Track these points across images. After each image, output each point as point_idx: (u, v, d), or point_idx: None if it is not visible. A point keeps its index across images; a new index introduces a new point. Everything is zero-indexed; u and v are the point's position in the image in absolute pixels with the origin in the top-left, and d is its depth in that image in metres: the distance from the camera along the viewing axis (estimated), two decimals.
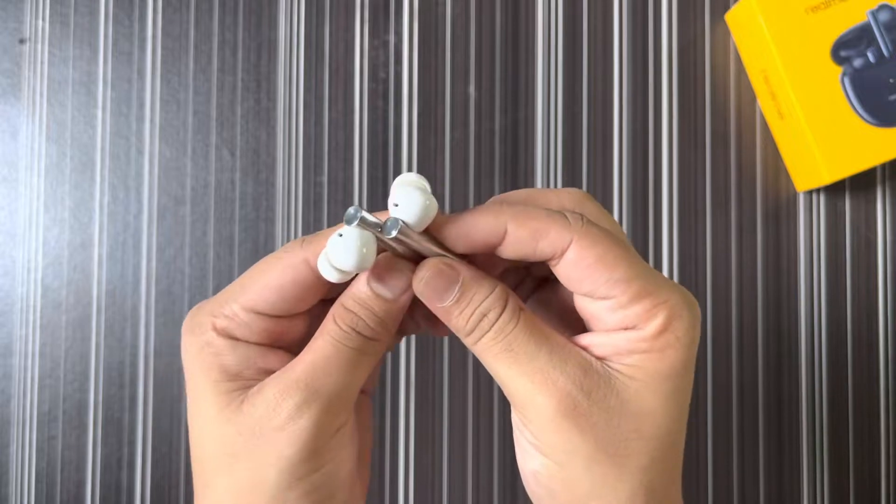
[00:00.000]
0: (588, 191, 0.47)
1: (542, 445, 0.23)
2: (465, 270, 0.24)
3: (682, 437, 0.24)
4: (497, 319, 0.23)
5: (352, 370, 0.24)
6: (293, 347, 0.26)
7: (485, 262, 0.26)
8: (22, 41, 0.47)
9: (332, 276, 0.23)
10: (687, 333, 0.23)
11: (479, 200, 0.47)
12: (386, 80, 0.47)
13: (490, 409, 0.46)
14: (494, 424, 0.46)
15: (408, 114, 0.47)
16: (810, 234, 0.47)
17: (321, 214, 0.46)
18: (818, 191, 0.47)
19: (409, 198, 0.23)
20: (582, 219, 0.24)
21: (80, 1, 0.47)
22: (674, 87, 0.47)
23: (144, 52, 0.47)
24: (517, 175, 0.47)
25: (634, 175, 0.47)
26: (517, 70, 0.47)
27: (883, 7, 0.43)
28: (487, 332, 0.24)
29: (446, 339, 0.46)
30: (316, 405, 0.23)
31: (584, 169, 0.47)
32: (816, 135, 0.43)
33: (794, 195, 0.47)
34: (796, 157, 0.45)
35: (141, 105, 0.47)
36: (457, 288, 0.24)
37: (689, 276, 0.47)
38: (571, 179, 0.47)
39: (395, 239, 0.23)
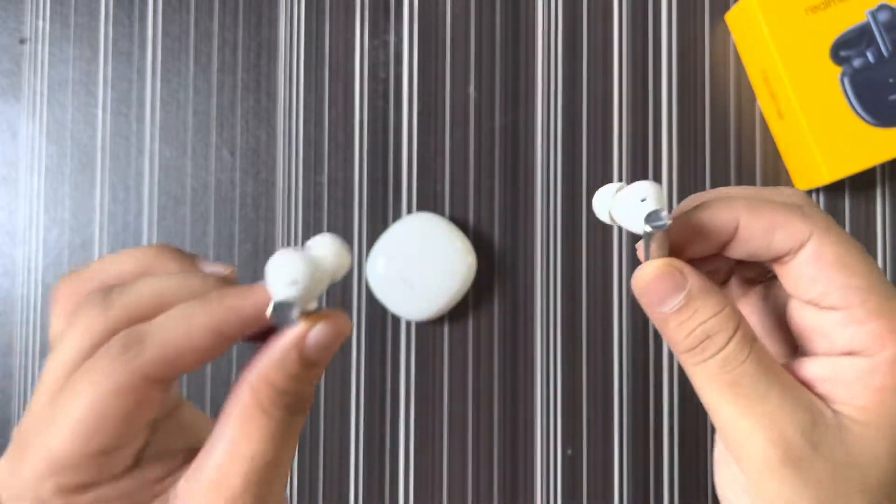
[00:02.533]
0: (588, 191, 0.47)
1: (757, 492, 0.21)
2: (694, 278, 0.21)
3: None
4: (725, 345, 0.21)
5: (290, 457, 0.21)
6: (153, 432, 0.21)
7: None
8: (22, 41, 0.47)
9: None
10: None
11: (479, 201, 0.47)
12: (386, 80, 0.47)
13: (490, 409, 0.46)
14: (494, 424, 0.46)
15: (408, 114, 0.47)
16: None
17: (321, 214, 0.47)
18: (818, 190, 0.47)
19: (653, 190, 0.20)
20: (822, 212, 0.21)
21: (80, 1, 0.47)
22: (674, 87, 0.47)
23: (144, 52, 0.47)
24: (517, 175, 0.47)
25: (634, 175, 0.47)
26: (517, 70, 0.47)
27: (882, 7, 0.43)
28: (712, 357, 0.21)
29: (446, 339, 0.46)
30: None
31: (584, 169, 0.47)
32: (816, 135, 0.43)
33: None
34: (796, 156, 0.45)
35: (141, 105, 0.47)
36: (682, 296, 0.21)
37: None
38: (571, 179, 0.47)
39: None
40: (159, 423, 0.21)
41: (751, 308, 0.25)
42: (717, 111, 0.47)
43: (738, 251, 0.22)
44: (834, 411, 0.21)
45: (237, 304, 0.19)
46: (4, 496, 0.19)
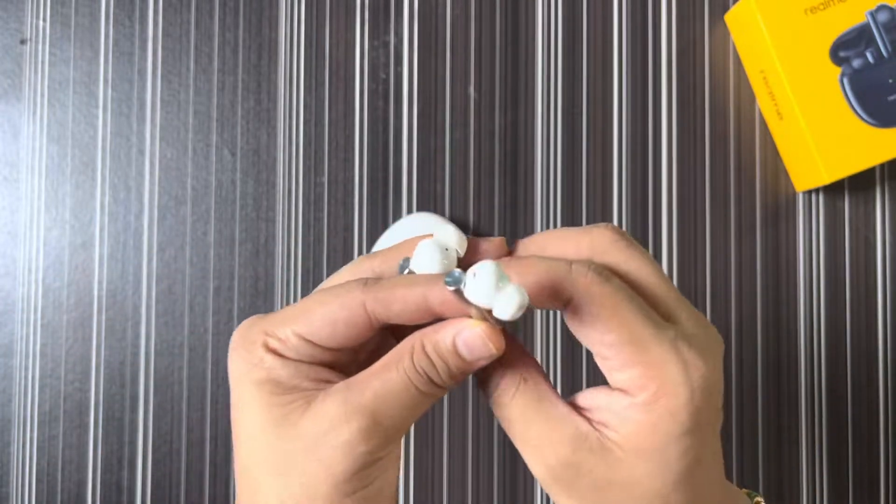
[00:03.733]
0: (587, 191, 0.47)
1: (548, 492, 0.25)
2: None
3: (688, 493, 0.24)
4: (495, 391, 0.25)
5: (415, 409, 0.24)
6: (343, 368, 0.26)
7: None
8: (23, 42, 0.47)
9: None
10: (683, 408, 0.23)
11: (479, 201, 0.47)
12: (386, 81, 0.47)
13: (490, 409, 0.46)
14: (494, 424, 0.46)
15: (408, 114, 0.47)
16: (809, 233, 0.47)
17: (321, 214, 0.47)
18: (817, 191, 0.47)
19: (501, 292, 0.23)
20: (588, 272, 0.24)
21: (81, 1, 0.47)
22: (673, 88, 0.47)
23: (145, 52, 0.47)
24: (517, 175, 0.47)
25: (634, 175, 0.47)
26: (517, 70, 0.47)
27: (882, 8, 0.43)
28: (490, 398, 0.25)
29: None
30: (376, 436, 0.24)
31: (584, 169, 0.47)
32: (815, 135, 0.43)
33: (794, 195, 0.47)
34: (795, 157, 0.45)
35: (142, 105, 0.47)
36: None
37: (689, 276, 0.47)
38: (571, 179, 0.47)
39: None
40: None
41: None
42: (717, 111, 0.47)
43: (539, 306, 0.25)
44: (600, 435, 0.24)
45: (449, 297, 0.24)
46: (232, 342, 0.25)
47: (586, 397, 0.25)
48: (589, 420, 0.24)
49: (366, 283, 0.25)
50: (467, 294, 0.22)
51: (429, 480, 0.46)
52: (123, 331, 0.46)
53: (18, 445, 0.46)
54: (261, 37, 0.47)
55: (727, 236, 0.47)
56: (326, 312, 0.24)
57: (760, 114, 0.47)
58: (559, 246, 0.26)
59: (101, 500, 0.46)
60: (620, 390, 0.24)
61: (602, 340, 0.23)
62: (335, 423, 0.24)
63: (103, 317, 0.46)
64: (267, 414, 0.24)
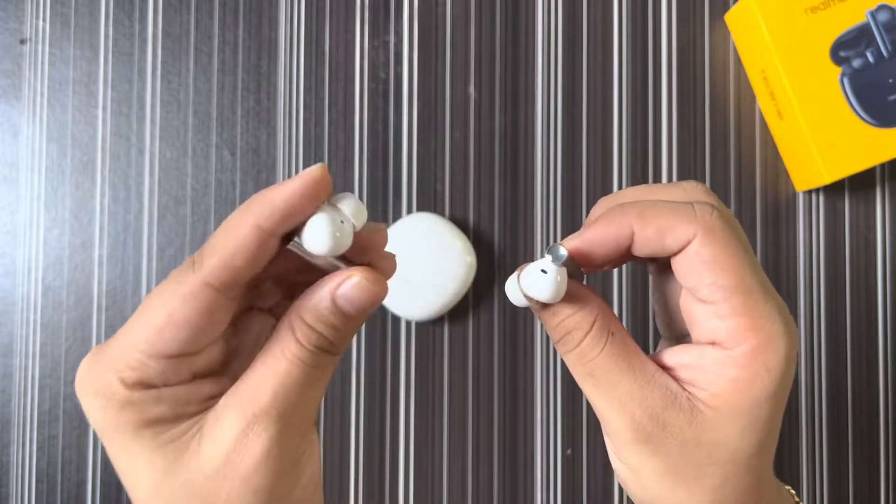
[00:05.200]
0: (587, 191, 0.47)
1: (619, 455, 0.25)
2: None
3: (761, 460, 0.24)
4: (581, 342, 0.24)
5: (318, 388, 0.23)
6: (216, 369, 0.24)
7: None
8: (23, 41, 0.47)
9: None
10: (779, 365, 0.23)
11: (480, 200, 0.47)
12: (386, 81, 0.47)
13: (490, 409, 0.46)
14: (494, 424, 0.46)
15: (408, 114, 0.47)
16: (809, 233, 0.47)
17: None
18: (817, 191, 0.47)
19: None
20: (712, 209, 0.23)
21: (81, 1, 0.47)
22: (673, 87, 0.47)
23: (145, 52, 0.47)
24: (517, 175, 0.47)
25: (634, 175, 0.47)
26: (517, 70, 0.47)
27: (882, 7, 0.43)
28: (572, 350, 0.24)
29: (446, 339, 0.46)
30: (288, 432, 0.22)
31: (584, 169, 0.47)
32: (815, 135, 0.43)
33: (794, 195, 0.47)
34: (795, 156, 0.45)
35: (141, 105, 0.47)
36: None
37: None
38: (571, 179, 0.47)
39: None
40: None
41: (661, 293, 0.28)
42: (717, 111, 0.47)
43: (641, 254, 0.24)
44: (689, 395, 0.23)
45: (268, 196, 0.21)
46: (79, 389, 0.22)
47: (672, 355, 0.24)
48: (676, 379, 0.24)
49: (194, 262, 0.22)
50: (306, 244, 0.21)
51: (429, 480, 0.46)
52: None
53: (18, 445, 0.46)
54: (261, 37, 0.47)
55: None
56: (174, 315, 0.21)
57: (760, 114, 0.47)
58: (654, 196, 0.25)
59: (101, 500, 0.46)
60: (713, 343, 0.23)
61: (716, 281, 0.23)
62: (240, 437, 0.21)
63: (103, 317, 0.46)
64: (160, 458, 0.22)
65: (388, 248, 0.25)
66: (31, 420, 0.46)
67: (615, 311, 0.47)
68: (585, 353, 0.24)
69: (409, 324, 0.46)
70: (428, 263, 0.44)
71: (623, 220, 0.23)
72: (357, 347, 0.46)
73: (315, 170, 0.22)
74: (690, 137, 0.47)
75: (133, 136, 0.47)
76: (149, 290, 0.46)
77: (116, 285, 0.46)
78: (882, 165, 0.47)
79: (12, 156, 0.47)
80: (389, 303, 0.44)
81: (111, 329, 0.46)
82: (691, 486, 0.23)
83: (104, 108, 0.47)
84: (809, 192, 0.47)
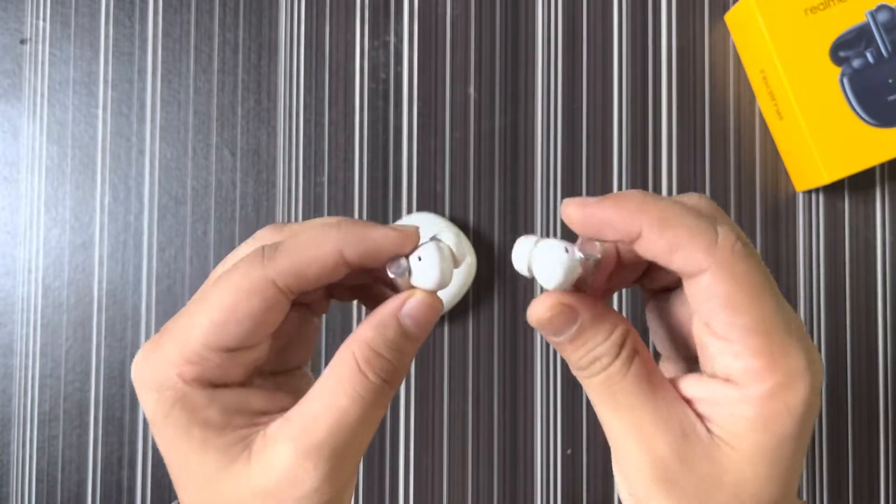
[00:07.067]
0: (587, 191, 0.47)
1: (633, 492, 0.23)
2: (585, 312, 0.22)
3: (786, 500, 0.22)
4: (609, 365, 0.22)
5: (373, 426, 0.23)
6: (264, 368, 0.24)
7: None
8: (23, 41, 0.47)
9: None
10: (801, 405, 0.21)
11: (479, 201, 0.47)
12: (386, 81, 0.47)
13: (490, 408, 0.46)
14: (494, 424, 0.46)
15: (408, 114, 0.47)
16: (809, 233, 0.47)
17: (321, 214, 0.47)
18: (817, 191, 0.47)
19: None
20: (736, 241, 0.21)
21: (81, 1, 0.47)
22: (673, 87, 0.47)
23: (145, 52, 0.47)
24: (517, 175, 0.47)
25: (634, 175, 0.47)
26: (517, 70, 0.47)
27: (882, 7, 0.43)
28: (598, 375, 0.22)
29: (446, 339, 0.46)
30: (339, 470, 0.22)
31: (584, 169, 0.47)
32: (815, 135, 0.43)
33: (794, 195, 0.47)
34: (795, 157, 0.45)
35: (142, 105, 0.47)
36: (575, 328, 0.22)
37: None
38: (571, 179, 0.47)
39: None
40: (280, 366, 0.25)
41: (664, 311, 0.26)
42: (717, 111, 0.47)
43: (641, 253, 0.22)
44: (708, 428, 0.22)
45: (361, 232, 0.22)
46: (135, 381, 0.22)
47: (688, 386, 0.23)
48: (694, 412, 0.22)
49: (264, 255, 0.21)
50: (416, 277, 0.22)
51: (429, 480, 0.46)
52: (123, 331, 0.46)
53: (18, 445, 0.46)
54: (261, 37, 0.47)
55: None
56: (238, 309, 0.21)
57: (760, 114, 0.47)
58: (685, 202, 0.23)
59: (102, 500, 0.46)
60: (728, 380, 0.21)
61: (732, 322, 0.21)
62: (294, 467, 0.21)
63: (103, 317, 0.46)
64: (211, 462, 0.22)
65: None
66: (31, 420, 0.46)
67: None
68: (612, 376, 0.22)
69: None
70: None
71: (637, 215, 0.21)
72: None
73: (412, 228, 0.23)
74: (690, 137, 0.47)
75: (133, 136, 0.47)
76: (149, 290, 0.46)
77: (116, 285, 0.46)
78: (882, 165, 0.47)
79: (12, 156, 0.47)
80: None
81: (112, 329, 0.46)
82: None
83: (104, 108, 0.47)
84: (809, 193, 0.47)
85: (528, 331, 0.46)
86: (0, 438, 0.46)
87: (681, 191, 0.47)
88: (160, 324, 0.46)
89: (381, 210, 0.46)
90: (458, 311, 0.46)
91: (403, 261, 0.22)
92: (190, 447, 0.22)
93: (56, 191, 0.47)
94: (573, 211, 0.22)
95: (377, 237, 0.22)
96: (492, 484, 0.46)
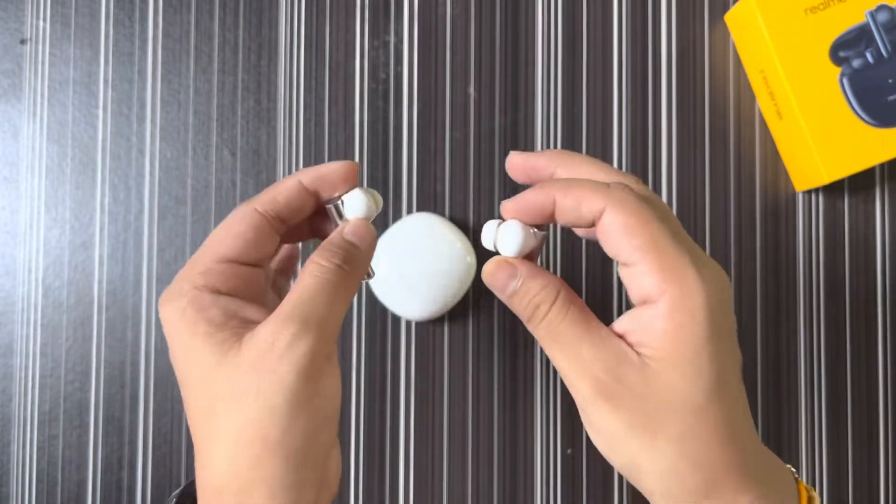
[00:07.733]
0: None
1: (588, 419, 0.27)
2: (523, 268, 0.28)
3: (720, 410, 0.25)
4: (548, 312, 0.27)
5: (334, 301, 0.28)
6: (262, 301, 0.30)
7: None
8: (23, 42, 0.47)
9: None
10: (703, 308, 0.25)
11: (479, 201, 0.47)
12: (386, 81, 0.47)
13: (490, 409, 0.46)
14: (494, 424, 0.46)
15: (408, 114, 0.47)
16: (809, 233, 0.47)
17: None
18: (817, 191, 0.47)
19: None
20: (623, 187, 0.26)
21: (81, 1, 0.47)
22: (673, 87, 0.47)
23: (145, 52, 0.47)
24: None
25: (634, 174, 0.47)
26: (517, 70, 0.47)
27: (882, 7, 0.43)
28: (541, 321, 0.27)
29: (446, 339, 0.46)
30: (309, 333, 0.26)
31: None
32: (815, 135, 0.43)
33: (793, 195, 0.47)
34: (795, 157, 0.45)
35: (142, 105, 0.47)
36: (516, 281, 0.28)
37: None
38: None
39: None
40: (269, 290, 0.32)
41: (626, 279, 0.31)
42: (717, 111, 0.47)
43: (562, 221, 0.27)
44: (638, 353, 0.26)
45: (314, 167, 0.30)
46: (161, 304, 0.28)
47: (619, 324, 0.27)
48: (628, 344, 0.26)
49: (249, 199, 0.30)
50: (347, 208, 0.30)
51: (429, 480, 0.46)
52: (123, 331, 0.46)
53: (19, 445, 0.46)
54: (261, 37, 0.47)
55: (727, 236, 0.47)
56: (232, 229, 0.29)
57: (760, 114, 0.47)
58: (596, 174, 0.28)
59: (102, 500, 0.46)
60: (645, 303, 0.26)
61: (631, 244, 0.25)
62: (271, 338, 0.26)
63: (103, 317, 0.46)
64: (209, 354, 0.27)
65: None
66: (31, 420, 0.46)
67: (581, 289, 0.47)
68: (552, 321, 0.27)
69: (409, 324, 0.46)
70: (428, 263, 0.44)
71: (548, 189, 0.27)
72: (357, 347, 0.46)
73: (351, 162, 0.31)
74: (690, 137, 0.47)
75: (133, 136, 0.47)
76: (149, 290, 0.47)
77: (116, 285, 0.46)
78: (881, 165, 0.47)
79: (12, 156, 0.47)
80: (389, 303, 0.44)
81: (112, 329, 0.46)
82: (655, 440, 0.25)
83: (104, 108, 0.47)
84: (809, 192, 0.47)
85: (528, 331, 0.46)
86: (0, 438, 0.46)
87: (681, 190, 0.47)
88: (160, 324, 0.46)
89: (382, 210, 0.46)
90: (458, 311, 0.46)
91: (341, 199, 0.31)
92: (194, 343, 0.27)
93: (56, 191, 0.47)
94: (509, 207, 0.28)
95: (324, 167, 0.30)
96: (492, 484, 0.46)
